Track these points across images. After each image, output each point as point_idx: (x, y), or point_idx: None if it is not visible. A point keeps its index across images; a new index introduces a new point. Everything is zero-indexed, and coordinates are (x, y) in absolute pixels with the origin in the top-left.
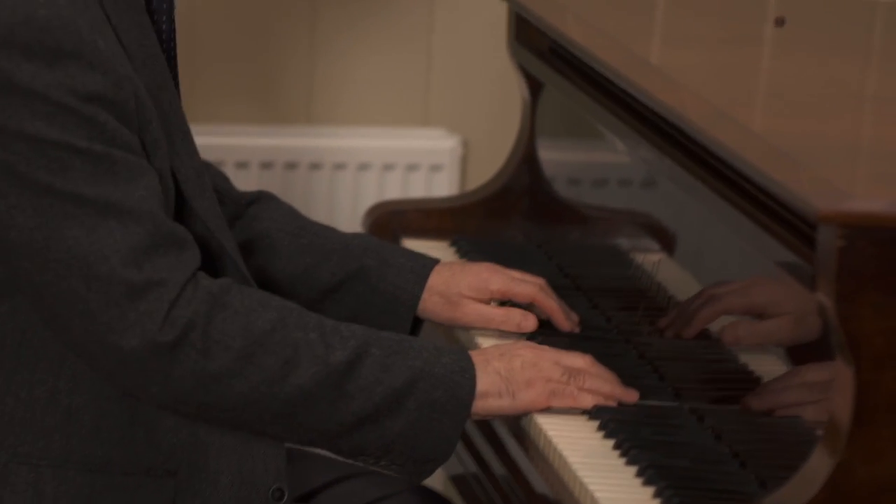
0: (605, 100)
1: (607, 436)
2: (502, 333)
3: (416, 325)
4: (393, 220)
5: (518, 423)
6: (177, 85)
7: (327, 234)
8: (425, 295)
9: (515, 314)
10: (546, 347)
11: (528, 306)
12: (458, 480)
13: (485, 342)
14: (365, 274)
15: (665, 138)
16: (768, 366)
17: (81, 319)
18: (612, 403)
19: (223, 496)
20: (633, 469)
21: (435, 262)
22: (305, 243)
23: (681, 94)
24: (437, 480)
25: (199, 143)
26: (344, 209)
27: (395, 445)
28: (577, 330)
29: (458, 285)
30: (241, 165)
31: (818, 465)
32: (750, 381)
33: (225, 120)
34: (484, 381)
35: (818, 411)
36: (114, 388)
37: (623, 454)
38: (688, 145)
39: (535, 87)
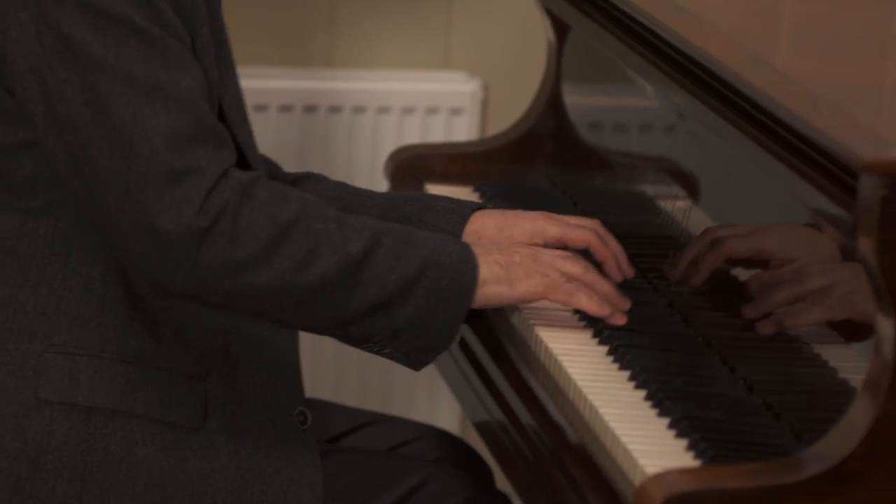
0: (635, 43)
1: (638, 386)
2: (560, 327)
3: None
4: (416, 164)
5: (547, 371)
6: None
7: (370, 193)
8: (474, 238)
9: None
10: (542, 249)
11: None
12: (482, 427)
13: (545, 334)
14: (406, 220)
15: (698, 83)
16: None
17: (119, 198)
18: (606, 310)
19: (252, 413)
20: (665, 420)
21: (477, 205)
22: (347, 203)
23: (715, 38)
24: (456, 425)
25: None
26: (363, 153)
27: (402, 332)
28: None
29: (512, 230)
30: (260, 108)
31: (858, 417)
32: (782, 332)
33: (244, 62)
34: (484, 270)
35: (823, 311)
36: (139, 274)
37: (655, 405)
38: (722, 90)
39: (561, 29)
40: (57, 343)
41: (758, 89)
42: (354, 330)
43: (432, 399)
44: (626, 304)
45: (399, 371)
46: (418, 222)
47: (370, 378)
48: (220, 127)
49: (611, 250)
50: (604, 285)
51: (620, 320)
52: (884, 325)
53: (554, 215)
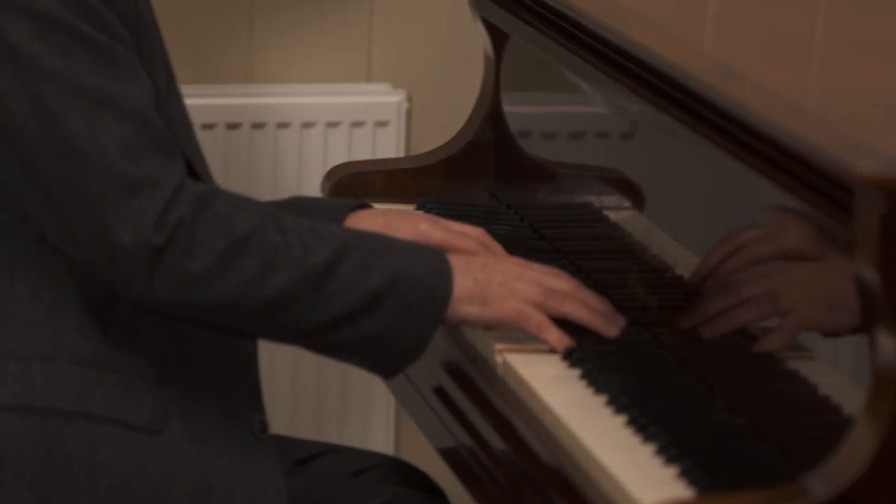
0: (588, 55)
1: (618, 411)
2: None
3: None
4: (354, 182)
5: (521, 400)
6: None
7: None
8: None
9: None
10: (534, 265)
11: None
12: (448, 454)
13: (512, 359)
14: None
15: (657, 93)
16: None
17: (74, 209)
18: (597, 320)
19: (212, 418)
20: (650, 447)
21: (355, 204)
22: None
23: (676, 46)
24: (420, 456)
25: None
26: (289, 168)
27: (370, 343)
28: None
29: (395, 234)
30: None
31: (862, 440)
32: (751, 345)
33: None
34: (459, 286)
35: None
36: (94, 281)
37: (638, 431)
38: (685, 100)
39: (498, 39)
40: (6, 349)
41: (735, 101)
42: (319, 340)
43: (367, 423)
44: (613, 331)
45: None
46: None
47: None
48: (171, 138)
49: (496, 254)
50: (596, 300)
51: (612, 332)
52: (886, 344)
53: (439, 220)
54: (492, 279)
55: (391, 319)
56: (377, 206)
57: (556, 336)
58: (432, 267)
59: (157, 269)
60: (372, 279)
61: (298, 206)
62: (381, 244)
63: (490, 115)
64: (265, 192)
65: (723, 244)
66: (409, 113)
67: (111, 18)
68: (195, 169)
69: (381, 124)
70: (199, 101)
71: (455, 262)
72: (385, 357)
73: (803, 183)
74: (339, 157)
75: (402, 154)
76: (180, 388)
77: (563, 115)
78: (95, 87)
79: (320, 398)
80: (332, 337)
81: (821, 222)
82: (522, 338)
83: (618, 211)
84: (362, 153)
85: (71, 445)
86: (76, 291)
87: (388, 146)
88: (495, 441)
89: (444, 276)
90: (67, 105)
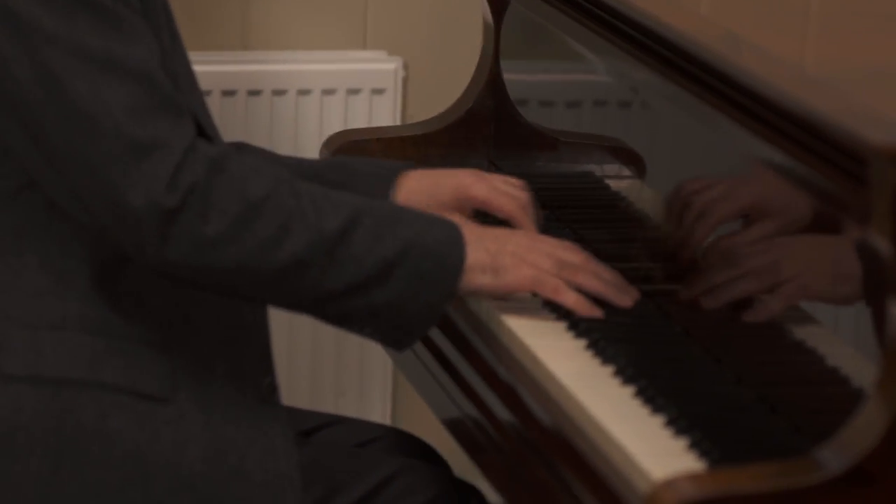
0: (591, 23)
1: (626, 382)
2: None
3: None
4: (353, 149)
5: (526, 369)
6: None
7: (287, 160)
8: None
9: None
10: (543, 237)
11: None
12: (452, 424)
13: (517, 326)
14: (329, 187)
15: (663, 61)
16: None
17: (83, 174)
18: (595, 312)
19: (221, 383)
20: (659, 418)
21: (403, 166)
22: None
23: (681, 13)
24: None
25: None
26: (285, 136)
27: (381, 313)
28: None
29: (441, 195)
30: None
31: (874, 413)
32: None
33: None
34: (471, 256)
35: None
36: (102, 248)
37: (646, 402)
38: (692, 69)
39: (498, 5)
40: (13, 316)
41: (748, 71)
42: (331, 308)
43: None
44: (627, 301)
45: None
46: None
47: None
48: (178, 97)
49: (531, 222)
50: (608, 272)
51: (626, 303)
52: None
53: (485, 175)
54: (504, 249)
55: (403, 289)
56: None
57: (573, 298)
58: (445, 237)
59: (170, 232)
60: (385, 248)
61: (346, 168)
62: (394, 213)
63: (489, 83)
64: None
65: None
66: (405, 80)
67: None
68: (203, 127)
69: (378, 91)
70: (195, 68)
71: (468, 233)
72: (396, 328)
73: (814, 153)
74: (335, 125)
75: (398, 122)
76: (188, 355)
77: (563, 82)
78: (99, 50)
79: (316, 368)
80: (344, 305)
81: (831, 192)
82: (528, 307)
83: (619, 179)
84: (358, 121)
85: (82, 415)
86: (84, 259)
87: (384, 114)
88: (501, 411)
89: (456, 247)
90: (71, 69)
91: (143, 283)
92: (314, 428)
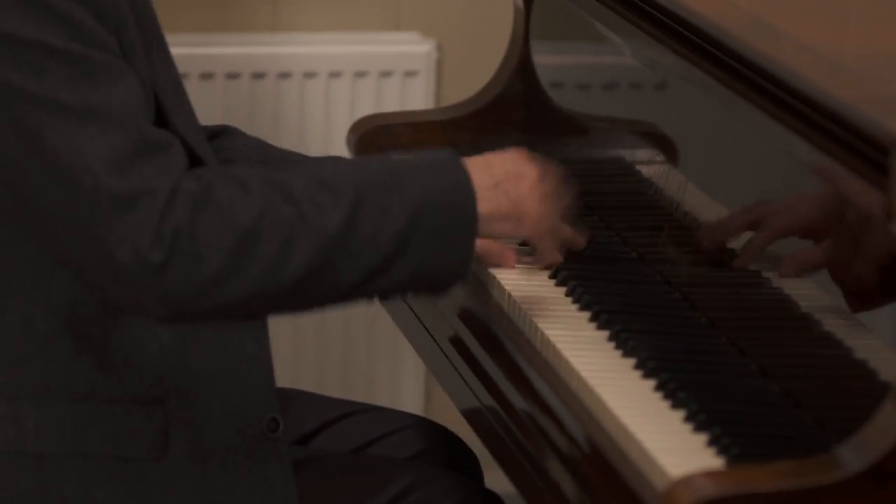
0: (619, 7)
1: (647, 375)
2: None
3: None
4: (381, 134)
5: (546, 362)
6: None
7: (297, 159)
8: None
9: (494, 248)
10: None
11: None
12: (472, 416)
13: (530, 311)
14: None
15: (690, 47)
16: (804, 290)
17: (70, 232)
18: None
19: (217, 427)
20: (680, 413)
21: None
22: (272, 168)
23: (715, 2)
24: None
25: None
26: (316, 119)
27: (410, 281)
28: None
29: None
30: (206, 76)
31: (894, 414)
32: (786, 306)
33: (188, 29)
34: (487, 205)
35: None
36: (88, 308)
37: (667, 396)
38: (718, 56)
39: None
40: None
41: (773, 59)
42: (357, 296)
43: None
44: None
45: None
46: None
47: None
48: (163, 133)
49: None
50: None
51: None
52: None
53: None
54: (520, 192)
55: (424, 253)
56: None
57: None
58: (449, 182)
59: (166, 285)
60: (394, 221)
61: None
62: (391, 177)
63: (519, 67)
64: (291, 144)
65: (747, 213)
66: (438, 63)
67: (83, 18)
68: (189, 142)
69: (411, 74)
70: (224, 49)
71: (476, 173)
72: (429, 285)
73: (837, 142)
74: (366, 108)
75: (431, 105)
76: (183, 403)
77: (596, 65)
78: (74, 101)
79: (348, 356)
80: (371, 289)
81: (855, 183)
82: (549, 298)
83: (650, 165)
84: (390, 104)
85: (66, 487)
86: (69, 320)
87: (416, 97)
88: (520, 403)
89: (463, 189)
90: (47, 125)
91: (135, 336)
92: (331, 420)
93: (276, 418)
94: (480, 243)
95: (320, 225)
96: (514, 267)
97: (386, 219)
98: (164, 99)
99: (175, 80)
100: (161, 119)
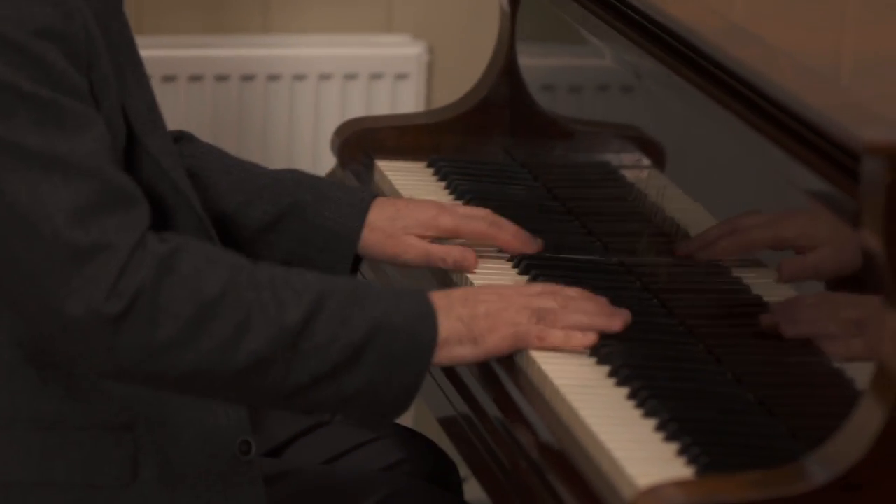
0: (598, 8)
1: (620, 383)
2: (498, 277)
3: (355, 262)
4: (365, 138)
5: (520, 370)
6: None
7: (257, 170)
8: (366, 231)
9: (454, 251)
10: (515, 289)
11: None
12: (447, 424)
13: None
14: (301, 209)
15: (666, 50)
16: (783, 297)
17: (21, 281)
18: (588, 340)
19: (188, 451)
20: (651, 422)
21: (373, 195)
22: (234, 180)
23: (689, 4)
24: (421, 423)
25: (149, 56)
26: (306, 122)
27: (354, 399)
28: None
29: (405, 221)
30: (195, 79)
31: (865, 420)
32: (765, 314)
33: (176, 31)
34: (445, 328)
35: (848, 348)
36: (53, 355)
37: (639, 405)
38: (696, 59)
39: None
40: None
41: (745, 65)
42: (298, 401)
43: None
44: (617, 324)
45: None
46: (314, 214)
47: None
48: (130, 185)
49: (508, 233)
50: (590, 304)
51: (616, 327)
52: (892, 319)
53: (447, 206)
54: (476, 312)
55: (374, 373)
56: (389, 163)
57: (560, 336)
58: (414, 311)
59: (117, 341)
60: (351, 331)
61: (319, 191)
62: (357, 291)
63: (505, 71)
64: (280, 147)
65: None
66: (430, 65)
67: (55, 62)
68: (162, 166)
69: (401, 77)
70: (213, 51)
71: (437, 300)
72: (370, 412)
73: (810, 149)
74: (356, 111)
75: (421, 108)
76: (152, 428)
77: (580, 69)
78: (40, 148)
79: None
80: (312, 397)
81: (827, 191)
82: None
83: (633, 169)
84: (381, 107)
85: None
86: (36, 349)
87: (407, 100)
88: (492, 410)
89: (427, 320)
90: (9, 170)
91: None
92: (300, 433)
93: (247, 440)
94: (442, 247)
95: (278, 318)
96: (473, 270)
97: (343, 328)
98: (138, 123)
99: (150, 104)
100: (134, 143)
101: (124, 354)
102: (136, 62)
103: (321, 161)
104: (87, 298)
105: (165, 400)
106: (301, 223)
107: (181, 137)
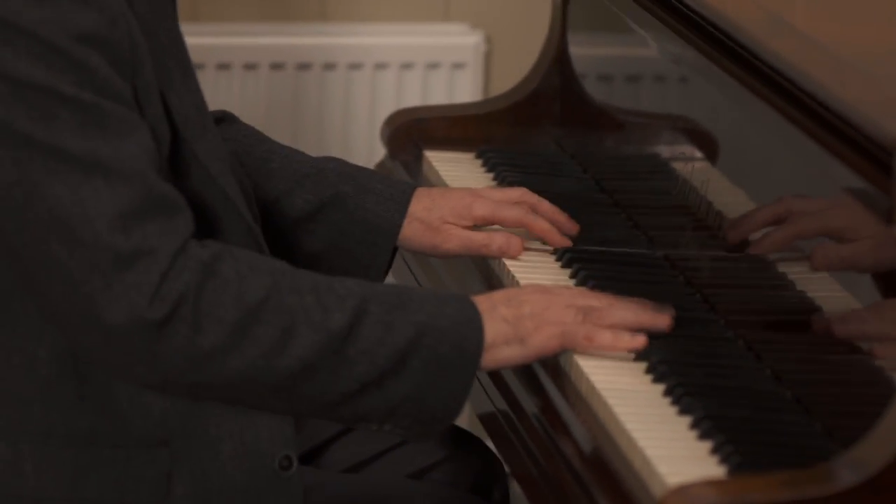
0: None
1: (657, 380)
2: (540, 270)
3: (392, 253)
4: (414, 129)
5: (558, 365)
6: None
7: (298, 157)
8: (405, 222)
9: (497, 238)
10: (558, 289)
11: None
12: (487, 420)
13: (524, 279)
14: (342, 201)
15: (714, 44)
16: (829, 293)
17: (62, 288)
18: (638, 342)
19: (226, 467)
20: (686, 419)
21: (413, 187)
22: (275, 167)
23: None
24: (462, 419)
25: (204, 44)
26: (361, 112)
27: (400, 408)
28: (568, 243)
29: (441, 211)
30: (250, 67)
31: (891, 428)
32: (810, 312)
33: (232, 18)
34: (491, 330)
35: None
36: (94, 365)
37: (675, 402)
38: (742, 54)
39: None
40: None
41: (780, 56)
42: (345, 410)
43: None
44: (665, 321)
45: None
46: (355, 206)
47: None
48: (172, 192)
49: (546, 221)
50: (634, 306)
51: (664, 324)
52: None
53: (481, 192)
54: (521, 313)
55: (421, 378)
56: (437, 154)
57: (609, 337)
58: (459, 315)
59: (160, 348)
60: (396, 335)
61: (359, 184)
62: (399, 296)
63: (556, 61)
64: (334, 137)
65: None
66: (487, 55)
67: (98, 67)
68: (211, 172)
69: (458, 66)
70: (269, 40)
71: (480, 303)
72: (418, 421)
73: (843, 141)
74: (412, 101)
75: (478, 98)
76: (190, 443)
77: (635, 59)
78: (82, 151)
79: None
80: (358, 406)
81: (862, 187)
82: None
83: (682, 161)
84: (438, 97)
85: None
86: (73, 365)
87: (464, 90)
88: (528, 405)
89: (472, 323)
90: (51, 173)
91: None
92: (338, 433)
93: (289, 455)
94: (484, 234)
95: (323, 322)
96: (517, 257)
97: (388, 333)
98: (186, 128)
99: (199, 107)
100: (182, 148)
101: (168, 362)
102: (185, 64)
103: (375, 151)
104: (129, 304)
105: (204, 413)
106: (342, 215)
107: (223, 119)
